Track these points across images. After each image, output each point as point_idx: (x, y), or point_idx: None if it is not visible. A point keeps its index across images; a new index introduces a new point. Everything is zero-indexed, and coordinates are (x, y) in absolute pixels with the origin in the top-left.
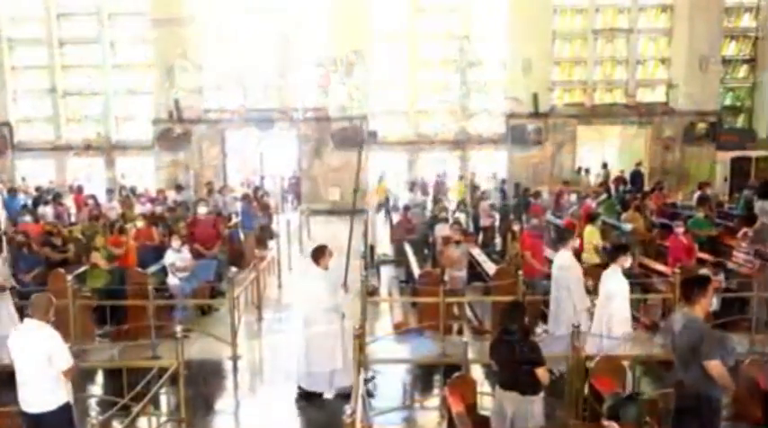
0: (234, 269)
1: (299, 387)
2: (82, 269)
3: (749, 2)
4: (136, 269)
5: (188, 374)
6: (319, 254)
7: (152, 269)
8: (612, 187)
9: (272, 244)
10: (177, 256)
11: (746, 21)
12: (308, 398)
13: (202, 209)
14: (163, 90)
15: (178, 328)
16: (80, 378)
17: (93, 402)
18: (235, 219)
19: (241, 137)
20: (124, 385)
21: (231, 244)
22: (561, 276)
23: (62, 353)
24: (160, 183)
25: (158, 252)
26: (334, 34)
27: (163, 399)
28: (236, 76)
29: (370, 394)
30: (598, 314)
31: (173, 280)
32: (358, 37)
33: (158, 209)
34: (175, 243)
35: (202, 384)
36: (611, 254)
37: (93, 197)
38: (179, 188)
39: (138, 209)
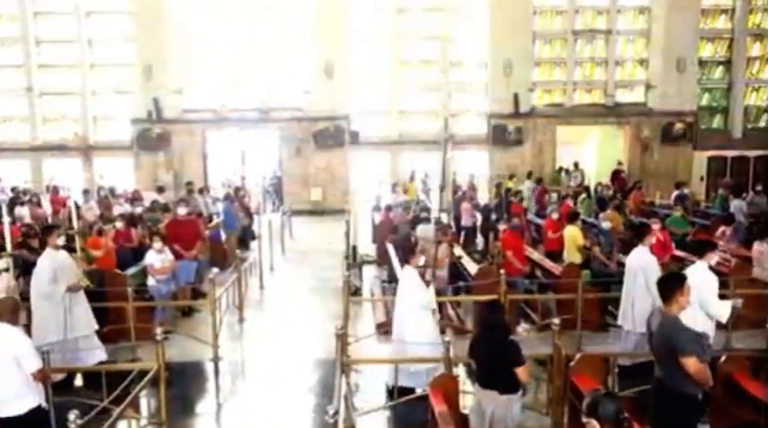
0: (215, 270)
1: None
2: None
3: (725, 4)
4: (115, 270)
5: (169, 376)
6: (410, 253)
7: (131, 270)
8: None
9: (253, 244)
10: (158, 258)
11: (722, 22)
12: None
13: (183, 210)
14: (142, 90)
15: (158, 330)
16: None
17: (71, 405)
18: (216, 220)
19: (222, 137)
20: (104, 388)
21: (212, 245)
22: (639, 273)
23: (30, 356)
24: (139, 184)
25: (138, 253)
26: (316, 34)
27: (143, 402)
28: (217, 76)
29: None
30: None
31: (150, 282)
32: (340, 37)
33: (137, 210)
34: (156, 244)
35: (183, 386)
36: (697, 249)
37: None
38: (160, 189)
39: (117, 209)
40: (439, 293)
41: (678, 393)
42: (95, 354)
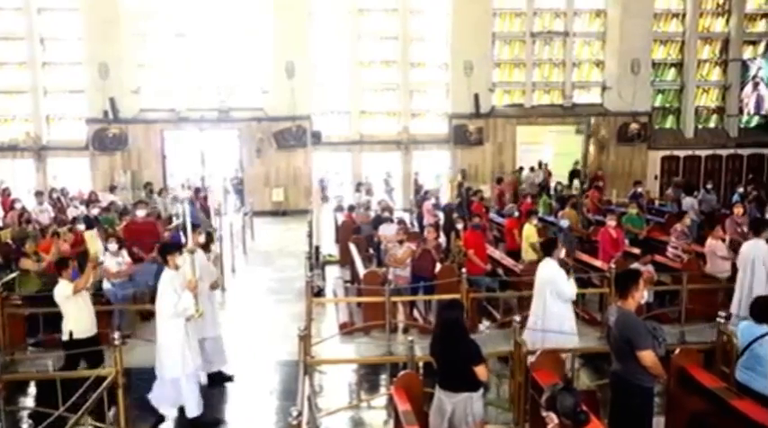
0: None
1: None
2: (12, 275)
3: (676, 8)
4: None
5: (127, 382)
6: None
7: None
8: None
9: (214, 246)
10: (113, 261)
11: (674, 26)
12: None
13: (141, 212)
14: (97, 89)
15: (116, 335)
16: (11, 389)
17: (24, 415)
18: (176, 221)
19: (181, 137)
20: (59, 396)
21: None
22: (757, 264)
23: None
24: (96, 186)
25: None
26: (277, 34)
27: (101, 410)
28: (176, 75)
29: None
30: None
31: (105, 285)
32: (300, 37)
33: (93, 212)
34: (112, 246)
35: (143, 392)
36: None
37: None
38: (113, 189)
39: (72, 212)
40: (400, 292)
41: (634, 385)
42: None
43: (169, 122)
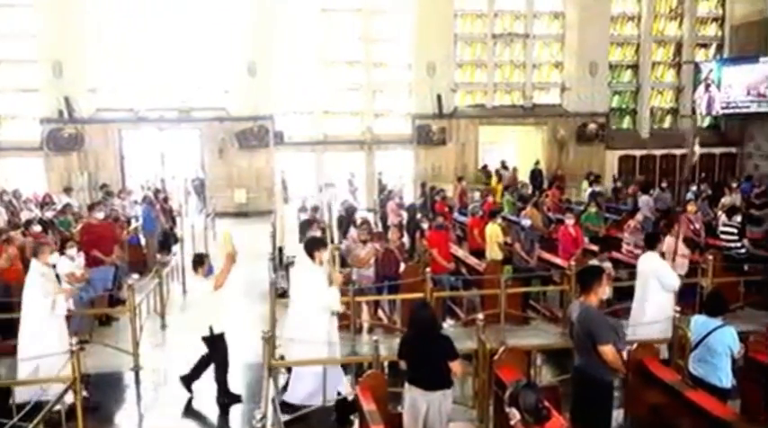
0: (135, 276)
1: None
2: None
3: (631, 11)
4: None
5: (86, 389)
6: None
7: None
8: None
9: (176, 248)
10: (72, 265)
11: (630, 29)
12: None
13: (99, 214)
14: (51, 88)
15: (73, 340)
16: None
17: None
18: (135, 223)
19: (140, 137)
20: (13, 404)
21: (131, 249)
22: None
23: None
24: (51, 187)
25: None
26: (239, 33)
27: (58, 418)
28: (134, 74)
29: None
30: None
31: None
32: (263, 37)
33: (48, 215)
34: (70, 250)
35: (102, 398)
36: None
37: None
38: (67, 190)
39: (25, 215)
40: (364, 292)
41: (596, 380)
42: None
43: (127, 122)
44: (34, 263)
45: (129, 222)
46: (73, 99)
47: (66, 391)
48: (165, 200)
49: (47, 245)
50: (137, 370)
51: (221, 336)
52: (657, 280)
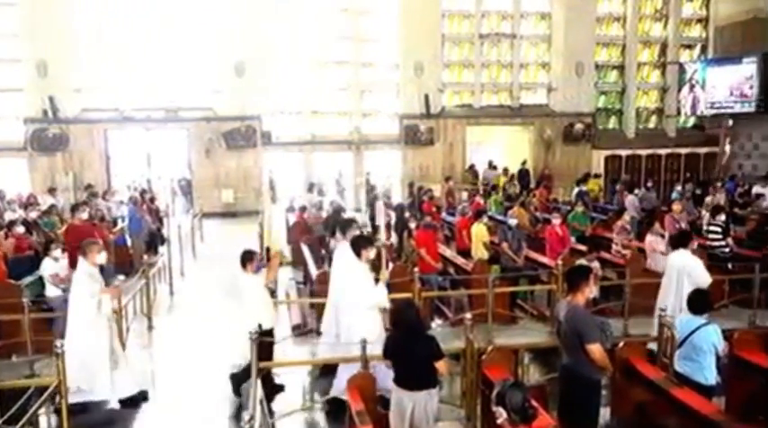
0: (121, 277)
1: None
2: None
3: (617, 12)
4: (7, 281)
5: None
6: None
7: (27, 280)
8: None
9: (162, 249)
10: (56, 266)
11: (615, 29)
12: None
13: (83, 215)
14: (36, 87)
15: (58, 342)
16: None
17: None
18: (121, 224)
19: (126, 137)
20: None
21: (117, 250)
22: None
23: None
24: (35, 188)
25: (33, 261)
26: (226, 33)
27: (43, 420)
28: (121, 74)
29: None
30: None
31: (51, 292)
32: (251, 36)
33: (32, 215)
34: (56, 252)
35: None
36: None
37: None
38: (51, 191)
39: (9, 215)
40: None
41: (584, 378)
42: None
43: (113, 122)
44: (81, 262)
45: (115, 223)
46: (57, 99)
47: (50, 394)
48: (152, 200)
49: (96, 244)
50: None
51: (270, 332)
52: (689, 277)
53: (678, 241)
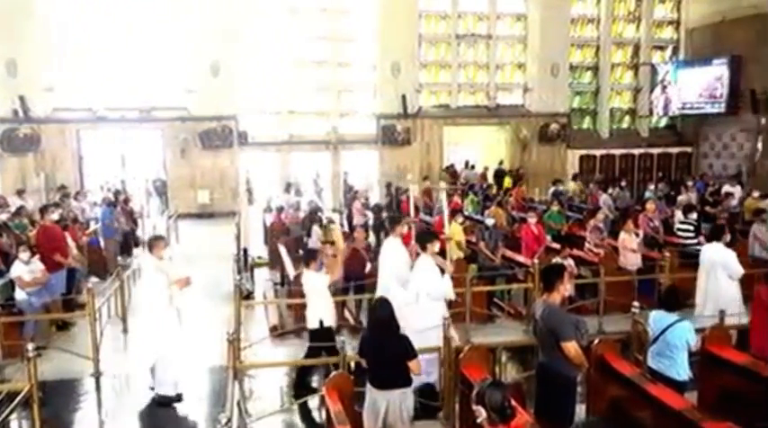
0: (94, 279)
1: None
2: None
3: (591, 14)
4: None
5: (43, 396)
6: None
7: None
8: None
9: (137, 250)
10: (26, 269)
11: (589, 31)
12: None
13: (54, 216)
14: (4, 86)
15: (29, 346)
16: None
17: None
18: (94, 226)
19: (99, 137)
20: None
21: (90, 252)
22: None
23: None
24: (6, 189)
25: (4, 264)
26: (201, 32)
27: (14, 426)
28: (93, 73)
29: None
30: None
31: (20, 295)
32: (226, 36)
33: (2, 217)
34: (23, 254)
35: (60, 406)
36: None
37: None
38: (20, 192)
39: None
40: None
41: (560, 375)
42: None
43: (86, 122)
44: (148, 256)
45: (87, 224)
46: (28, 98)
47: (22, 399)
48: (126, 201)
49: (161, 238)
50: (97, 376)
51: (330, 330)
52: (724, 269)
53: (712, 234)
